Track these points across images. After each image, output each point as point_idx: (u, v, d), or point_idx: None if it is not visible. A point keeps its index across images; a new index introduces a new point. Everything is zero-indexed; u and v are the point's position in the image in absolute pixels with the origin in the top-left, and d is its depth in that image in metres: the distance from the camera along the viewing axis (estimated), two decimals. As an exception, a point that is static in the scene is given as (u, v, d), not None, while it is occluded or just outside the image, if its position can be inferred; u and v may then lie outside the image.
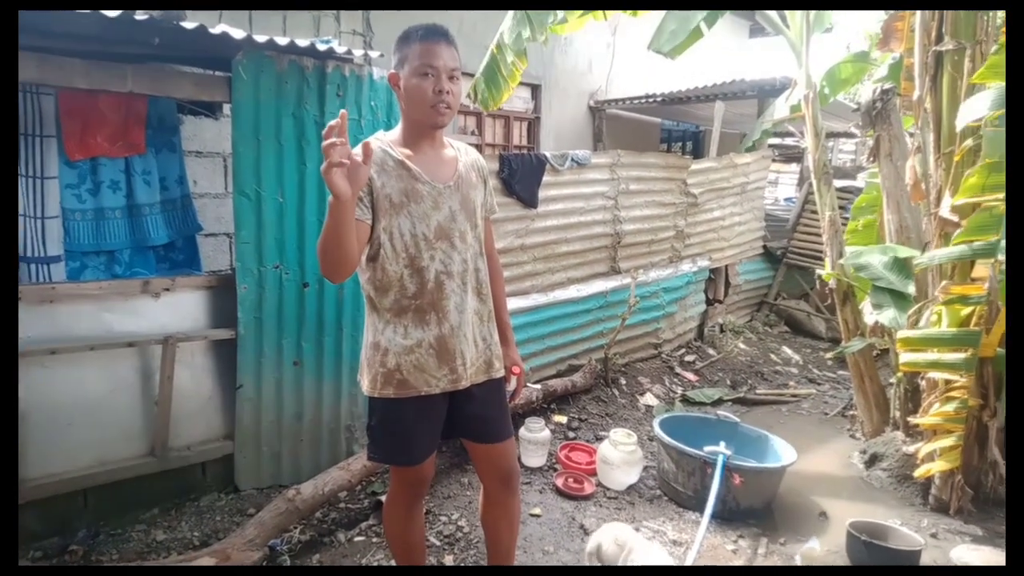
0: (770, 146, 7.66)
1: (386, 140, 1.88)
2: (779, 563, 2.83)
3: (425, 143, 1.90)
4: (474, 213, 1.97)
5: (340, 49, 3.07)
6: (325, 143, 1.49)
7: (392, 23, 5.70)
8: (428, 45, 1.79)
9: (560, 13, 4.06)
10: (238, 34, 2.77)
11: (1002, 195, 2.63)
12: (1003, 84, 2.62)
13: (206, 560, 2.45)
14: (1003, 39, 2.73)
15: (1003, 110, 2.60)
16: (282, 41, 2.89)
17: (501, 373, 2.07)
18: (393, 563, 2.56)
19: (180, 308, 3.01)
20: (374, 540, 2.83)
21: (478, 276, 1.99)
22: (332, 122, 1.50)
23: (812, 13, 4.21)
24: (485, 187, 2.07)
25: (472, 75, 4.87)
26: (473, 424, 2.04)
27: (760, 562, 2.83)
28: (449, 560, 2.72)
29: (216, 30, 2.69)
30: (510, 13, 4.24)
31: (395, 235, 1.83)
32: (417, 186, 1.84)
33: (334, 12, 5.50)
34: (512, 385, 2.17)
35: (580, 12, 4.20)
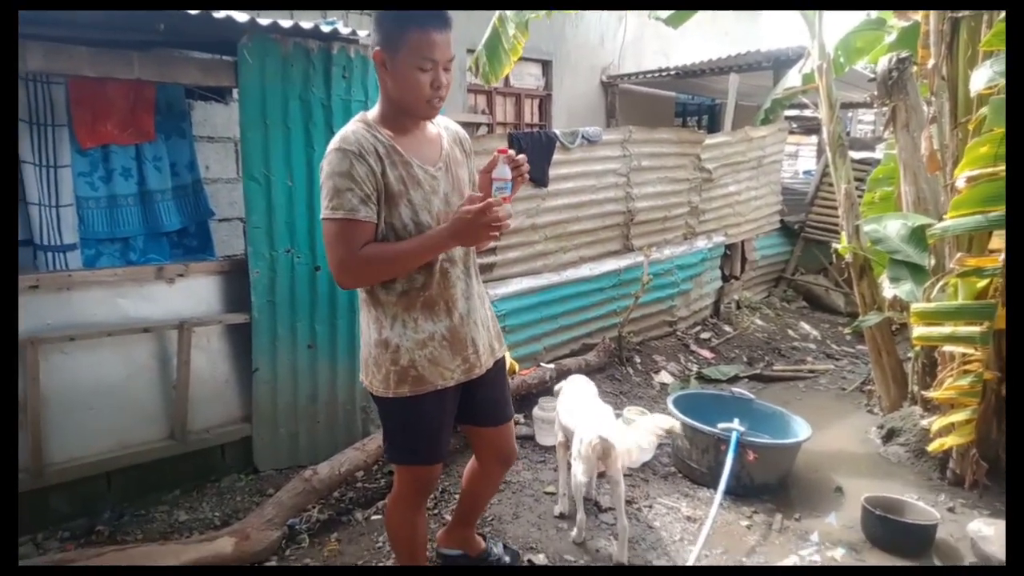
0: (788, 118, 7.52)
1: (371, 122, 1.75)
2: (793, 539, 2.83)
3: (410, 124, 1.79)
4: (462, 193, 1.86)
5: (345, 30, 3.05)
6: (502, 223, 1.63)
7: None
8: (429, 35, 1.62)
9: None
10: (242, 18, 2.76)
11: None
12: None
13: (226, 539, 2.51)
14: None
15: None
16: (286, 23, 2.88)
17: (502, 352, 2.10)
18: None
19: (194, 293, 3.05)
20: (390, 519, 2.86)
21: (472, 257, 1.96)
22: (498, 209, 1.61)
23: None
24: (468, 161, 1.98)
25: (473, 50, 4.82)
26: (483, 408, 2.06)
27: (774, 538, 2.84)
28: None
29: (220, 14, 2.69)
30: None
31: (397, 226, 1.73)
32: (413, 171, 1.75)
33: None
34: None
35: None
